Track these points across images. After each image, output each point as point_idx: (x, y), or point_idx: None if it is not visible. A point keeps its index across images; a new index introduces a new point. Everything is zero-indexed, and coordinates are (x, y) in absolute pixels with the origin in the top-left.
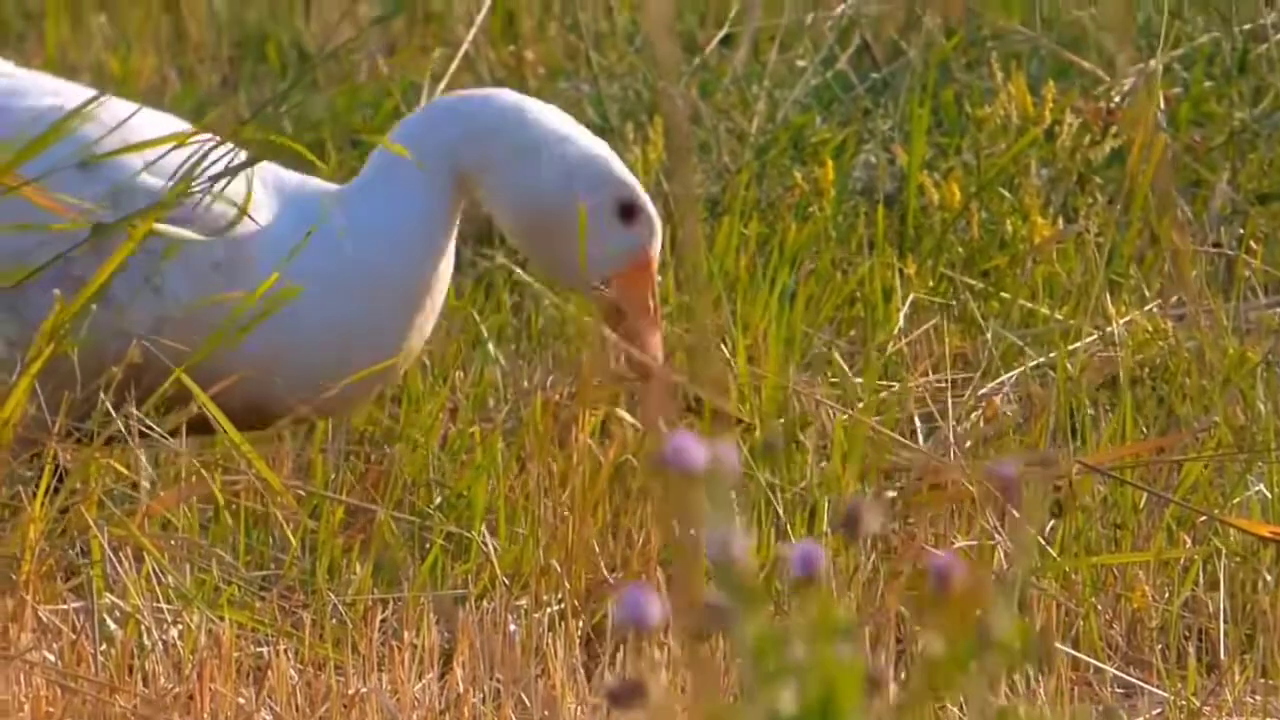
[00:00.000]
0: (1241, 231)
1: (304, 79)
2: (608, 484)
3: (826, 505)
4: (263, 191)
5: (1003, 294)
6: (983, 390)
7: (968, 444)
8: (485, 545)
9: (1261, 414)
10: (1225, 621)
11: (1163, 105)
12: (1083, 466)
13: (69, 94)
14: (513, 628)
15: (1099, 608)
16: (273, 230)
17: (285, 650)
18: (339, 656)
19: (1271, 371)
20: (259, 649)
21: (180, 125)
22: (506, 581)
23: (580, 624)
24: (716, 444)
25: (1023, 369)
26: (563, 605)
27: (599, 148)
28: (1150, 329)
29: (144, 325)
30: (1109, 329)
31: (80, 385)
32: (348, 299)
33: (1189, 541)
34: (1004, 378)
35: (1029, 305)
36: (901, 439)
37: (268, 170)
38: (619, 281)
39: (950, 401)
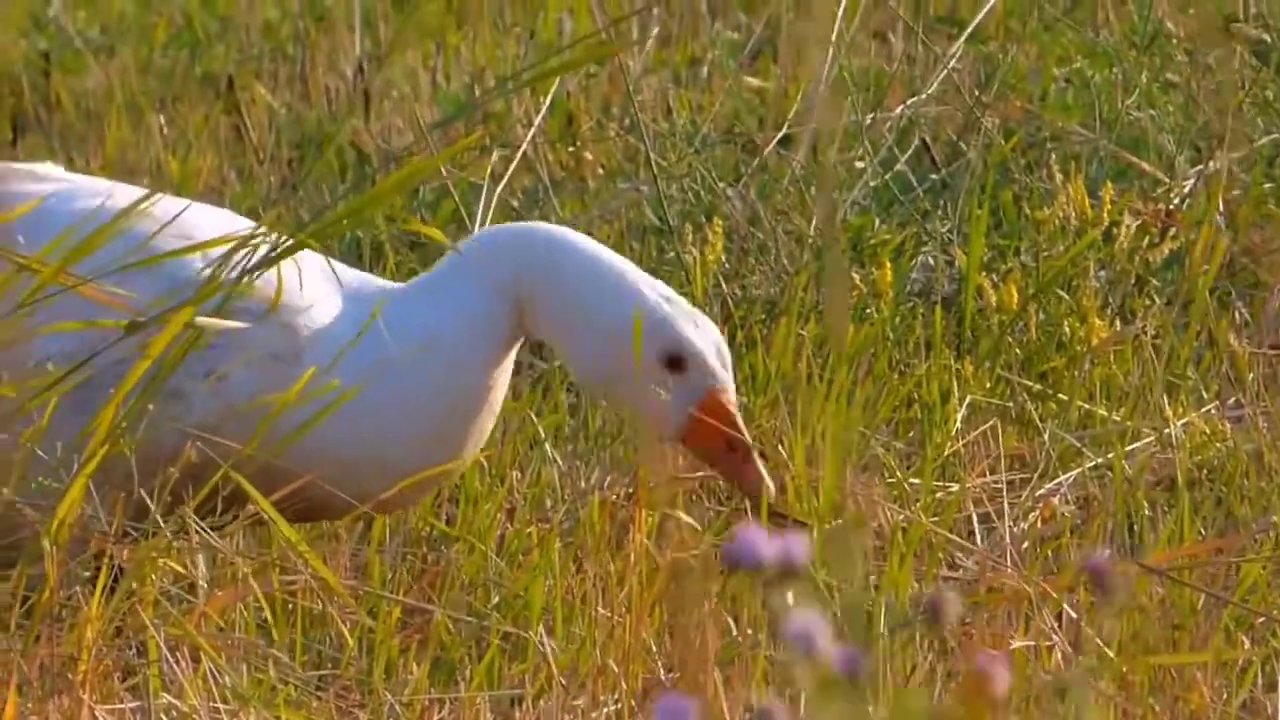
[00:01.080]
0: None
1: (364, 181)
2: (665, 584)
3: (884, 606)
4: (323, 285)
5: (1060, 395)
6: (1040, 491)
7: (1025, 545)
8: (542, 645)
9: None
10: None
11: (1221, 207)
12: (1142, 568)
13: (121, 194)
14: None
15: (1156, 709)
16: (330, 325)
17: None
18: None
19: None
20: None
21: (237, 220)
22: (563, 681)
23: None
24: (786, 538)
25: (1080, 470)
26: (619, 705)
27: (636, 297)
28: (1208, 430)
29: (209, 420)
30: (1166, 431)
31: (138, 483)
32: (400, 400)
33: (1247, 643)
34: (1061, 479)
35: (1086, 407)
36: (959, 539)
37: (326, 265)
38: (694, 429)
39: (1007, 502)
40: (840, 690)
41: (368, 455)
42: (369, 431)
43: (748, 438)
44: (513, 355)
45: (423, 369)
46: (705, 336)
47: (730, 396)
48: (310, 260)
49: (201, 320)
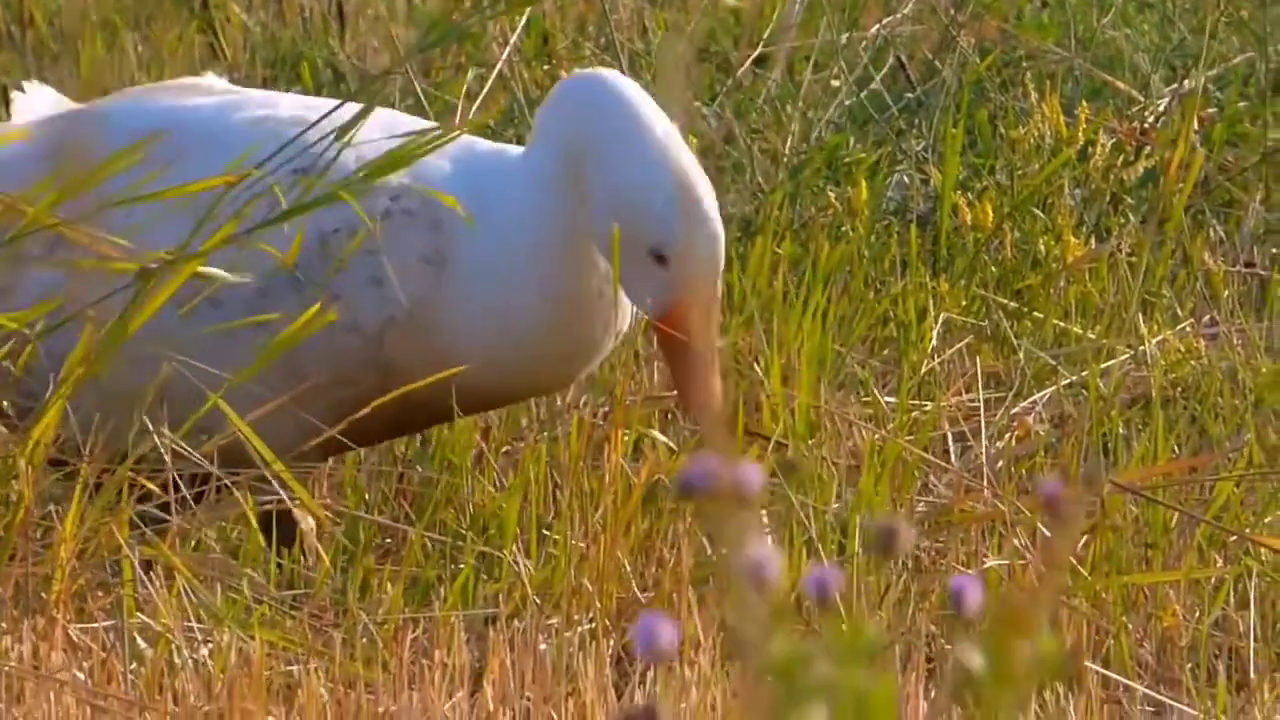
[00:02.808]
0: (1275, 251)
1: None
2: (639, 504)
3: (858, 525)
4: (452, 174)
5: (1035, 313)
6: (1015, 410)
7: (1000, 463)
8: (516, 565)
9: None
10: (1255, 640)
11: (1197, 126)
12: (1114, 486)
13: (285, 104)
14: (543, 647)
15: (1129, 627)
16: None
17: (316, 669)
18: (370, 675)
19: None
20: (289, 668)
21: (396, 118)
22: (538, 601)
23: (611, 643)
24: (741, 465)
25: (1055, 388)
26: (594, 625)
27: (645, 180)
28: (1183, 348)
29: (373, 325)
30: (1141, 348)
31: (323, 390)
32: (509, 290)
33: (1220, 561)
34: (1036, 397)
35: (1061, 324)
36: (934, 458)
37: (458, 149)
38: (664, 321)
39: (983, 421)
40: (791, 621)
41: (508, 349)
42: (503, 325)
43: (706, 351)
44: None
45: (516, 253)
46: (698, 243)
47: (703, 308)
48: (447, 151)
49: (205, 271)
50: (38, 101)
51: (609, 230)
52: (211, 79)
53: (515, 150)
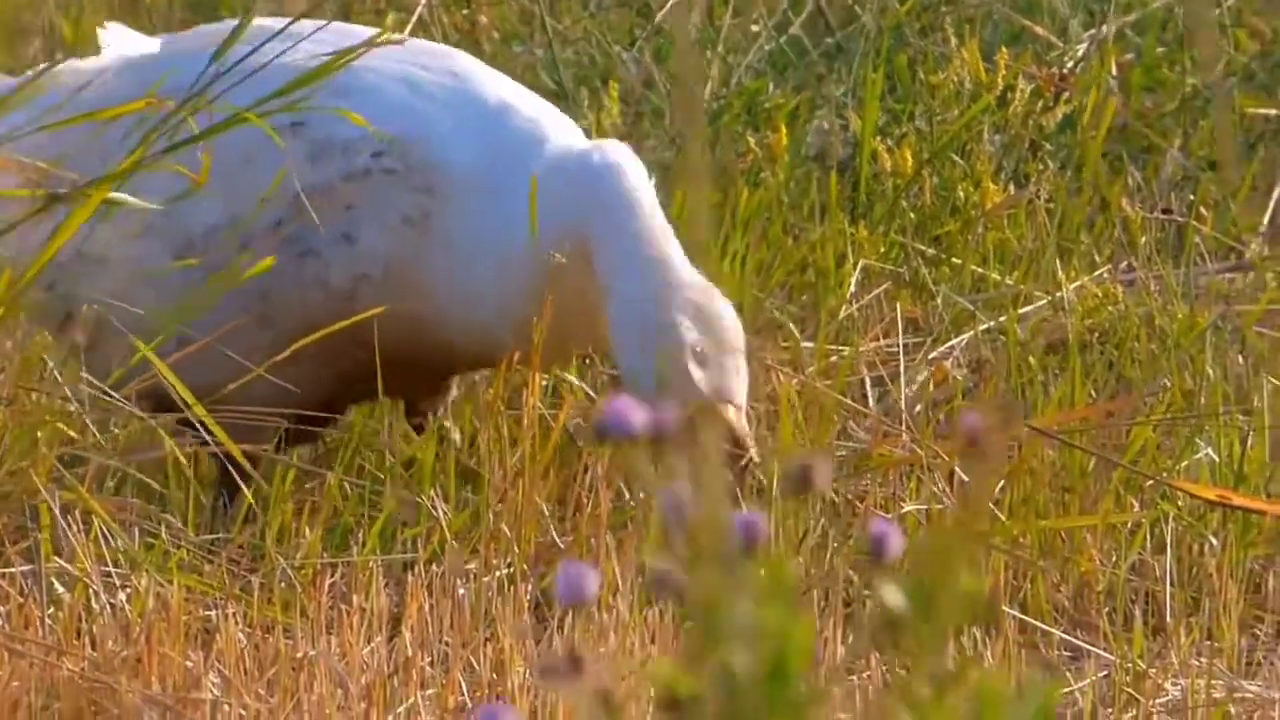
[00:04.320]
0: (1192, 198)
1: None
2: (557, 448)
3: (776, 469)
4: (465, 140)
5: (954, 259)
6: (933, 355)
7: (918, 408)
8: (435, 509)
9: (1210, 378)
10: (1171, 585)
11: (1115, 71)
12: (1032, 430)
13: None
14: (461, 592)
15: (1046, 571)
16: (461, 187)
17: (234, 614)
18: (288, 620)
19: (1220, 336)
20: (207, 612)
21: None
22: (456, 545)
23: (529, 588)
24: (656, 408)
25: (973, 334)
26: (512, 569)
27: (636, 335)
28: (1100, 294)
29: (344, 282)
30: (1059, 294)
31: (287, 339)
32: (487, 273)
33: (1136, 505)
34: (954, 342)
35: (980, 270)
36: (852, 403)
37: (473, 107)
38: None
39: (902, 366)
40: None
41: (494, 325)
42: (478, 299)
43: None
44: None
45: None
46: (706, 375)
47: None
48: (446, 95)
49: (115, 196)
50: (121, 37)
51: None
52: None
53: (550, 124)
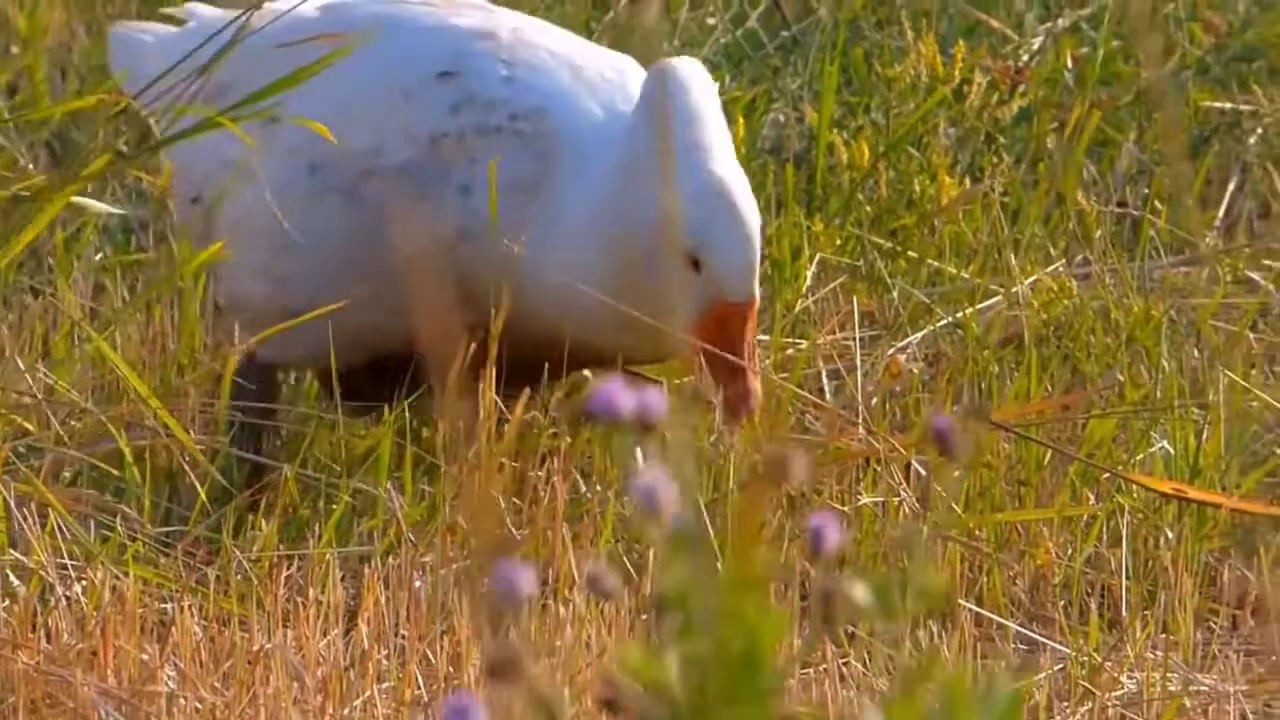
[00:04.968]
0: (1147, 191)
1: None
2: (514, 440)
3: (733, 461)
4: (583, 107)
5: (910, 253)
6: (889, 349)
7: (874, 401)
8: (391, 502)
9: (1165, 372)
10: (1127, 578)
11: (1070, 65)
12: (989, 424)
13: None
14: (418, 584)
15: (1002, 564)
16: (569, 158)
17: (190, 606)
18: (244, 612)
19: (1175, 330)
20: (163, 605)
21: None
22: (412, 538)
23: (485, 581)
24: (643, 392)
25: (930, 327)
26: (468, 562)
27: (684, 183)
28: (1055, 288)
29: (451, 232)
30: (1014, 288)
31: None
32: (585, 256)
33: (1092, 498)
34: (911, 336)
35: (936, 264)
36: (809, 396)
37: (620, 94)
38: (699, 328)
39: (858, 359)
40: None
41: (576, 306)
42: (571, 272)
43: (746, 355)
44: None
45: (613, 211)
46: (730, 246)
47: (742, 310)
48: (597, 83)
49: (79, 201)
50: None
51: (649, 234)
52: None
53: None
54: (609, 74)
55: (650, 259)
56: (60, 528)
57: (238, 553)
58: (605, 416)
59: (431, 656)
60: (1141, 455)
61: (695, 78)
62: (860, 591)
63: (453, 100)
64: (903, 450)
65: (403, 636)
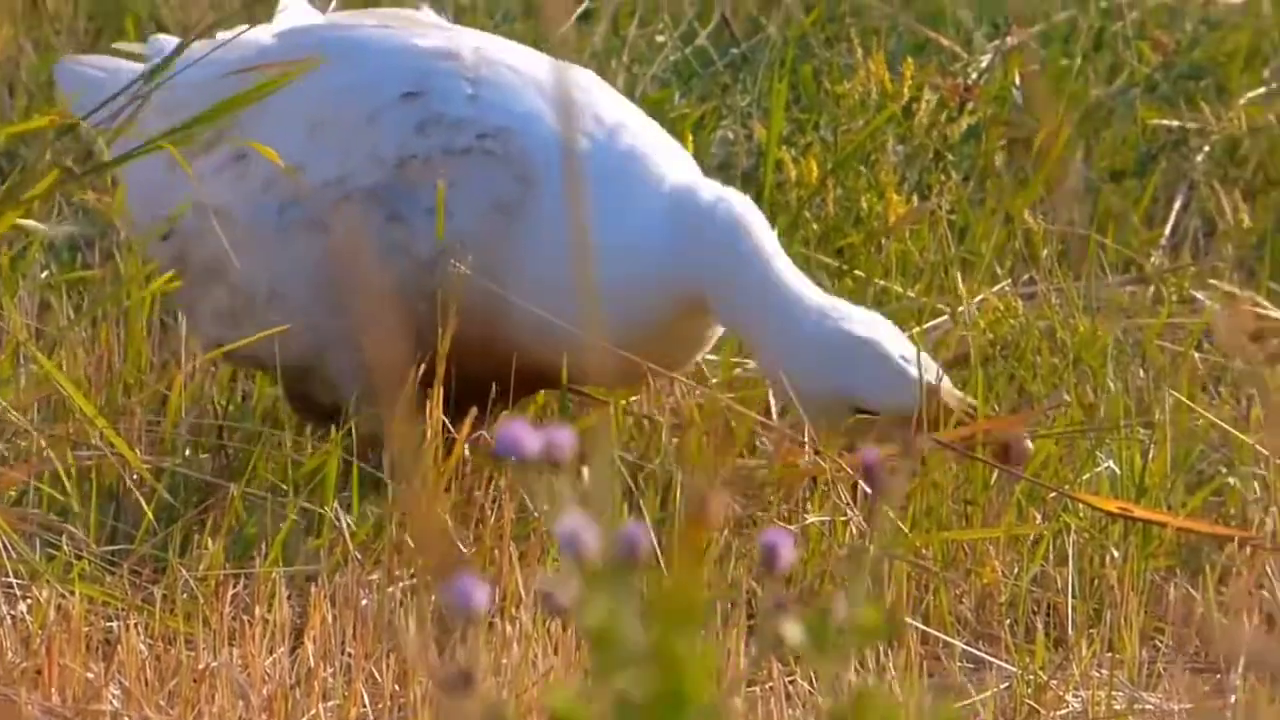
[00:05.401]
0: (1094, 210)
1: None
2: (461, 459)
3: (680, 481)
4: (595, 153)
5: (857, 271)
6: None
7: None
8: (338, 521)
9: (1111, 391)
10: (1073, 596)
11: (1018, 82)
12: (936, 443)
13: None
14: (364, 603)
15: (949, 583)
16: (558, 184)
17: (135, 625)
18: (189, 631)
19: (1121, 349)
20: (109, 624)
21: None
22: (359, 557)
23: (432, 599)
24: (551, 430)
25: None
26: (414, 581)
27: (817, 367)
28: (1002, 307)
29: (429, 254)
30: (961, 308)
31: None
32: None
33: (1039, 517)
34: None
35: (883, 283)
36: (756, 415)
37: (592, 119)
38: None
39: None
40: (608, 586)
41: (561, 331)
42: (553, 295)
43: (978, 429)
44: None
45: (617, 272)
46: (906, 400)
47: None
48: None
49: (24, 223)
50: (295, 9)
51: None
52: (426, 11)
53: (662, 150)
54: (576, 92)
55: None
56: (6, 546)
57: (184, 571)
58: (512, 456)
59: (378, 675)
60: (1088, 475)
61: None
62: (794, 630)
63: (418, 120)
64: (850, 470)
65: (349, 655)
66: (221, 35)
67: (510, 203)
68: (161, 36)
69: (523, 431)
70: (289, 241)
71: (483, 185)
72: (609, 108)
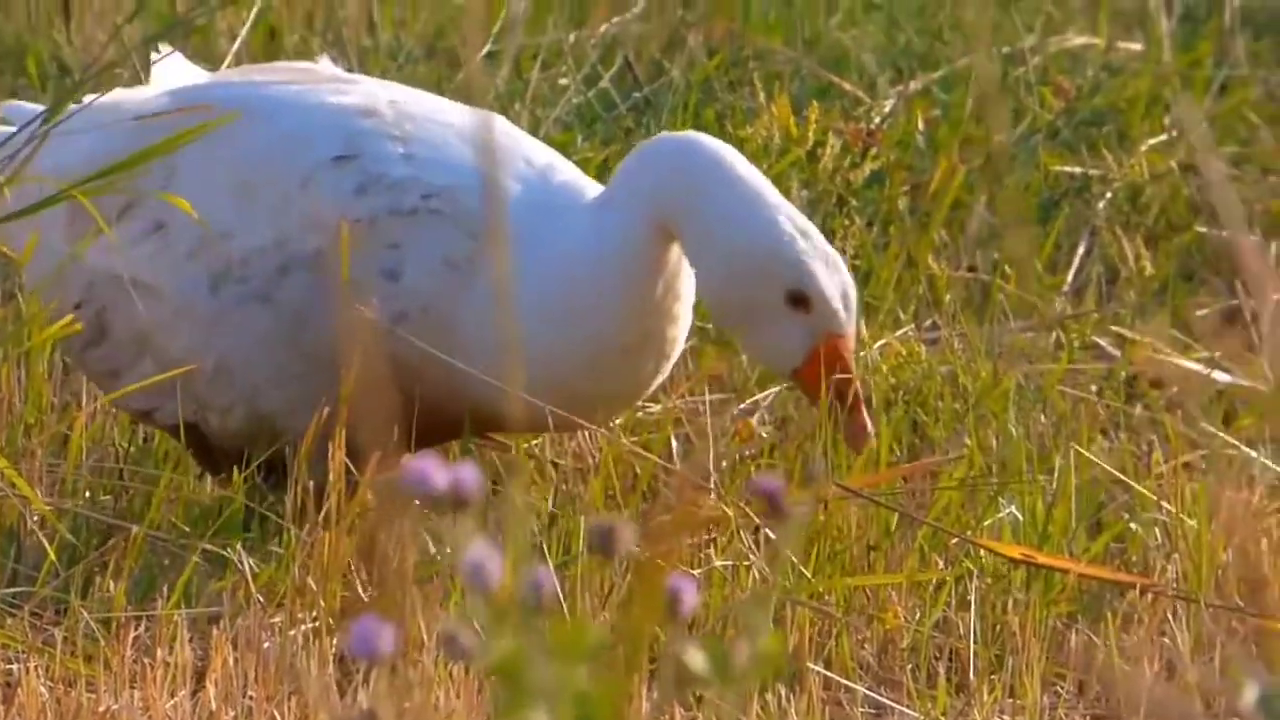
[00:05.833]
0: (996, 255)
1: (69, 95)
2: (363, 502)
3: (583, 526)
4: (511, 186)
5: None
6: (738, 410)
7: (724, 465)
8: (241, 563)
9: (1013, 437)
10: (975, 642)
11: (921, 127)
12: (838, 488)
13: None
14: (267, 645)
15: (851, 627)
16: (512, 233)
17: (36, 667)
18: (91, 673)
19: (1023, 395)
20: (9, 666)
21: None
22: (261, 599)
23: (334, 642)
24: (458, 467)
25: (779, 389)
26: (317, 623)
27: (770, 230)
28: (904, 352)
29: (384, 318)
30: (863, 353)
31: (317, 367)
32: (565, 322)
33: (941, 563)
34: (759, 398)
35: None
36: (659, 460)
37: (534, 171)
38: (807, 370)
39: (708, 422)
40: (513, 621)
41: (536, 375)
42: (537, 352)
43: (857, 386)
44: (679, 286)
45: (580, 292)
46: (834, 279)
47: (849, 343)
48: (502, 154)
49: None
50: (173, 69)
51: (721, 292)
52: (325, 62)
53: (593, 188)
54: (501, 140)
55: (640, 330)
56: None
57: (85, 613)
58: (420, 494)
59: (280, 717)
60: (990, 520)
61: (719, 144)
62: (698, 659)
63: (356, 183)
64: (753, 515)
65: (250, 697)
66: (90, 99)
67: (460, 259)
68: (18, 103)
69: (431, 468)
70: (227, 315)
71: (432, 244)
72: (536, 150)
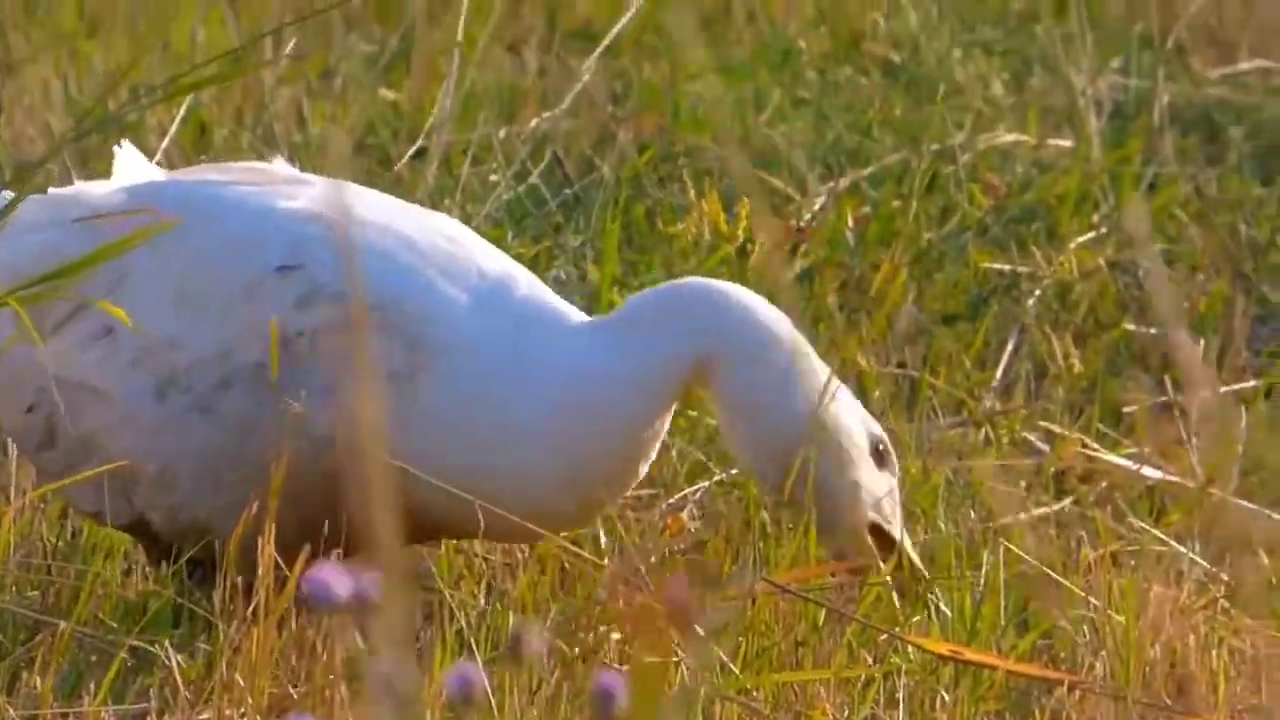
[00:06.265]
0: (926, 352)
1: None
2: (292, 598)
3: (511, 622)
4: (451, 291)
5: (690, 411)
6: (667, 504)
7: (653, 559)
8: (168, 659)
9: (942, 532)
10: None
11: (851, 224)
12: (766, 584)
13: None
14: None
15: None
16: (458, 343)
17: None
18: None
19: (952, 491)
20: None
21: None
22: (189, 696)
23: None
24: (360, 576)
25: (708, 484)
26: (245, 719)
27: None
28: None
29: (326, 430)
30: None
31: (261, 476)
32: (568, 445)
33: (870, 659)
34: (687, 491)
35: (714, 422)
36: (588, 555)
37: (473, 271)
38: (873, 516)
39: (635, 518)
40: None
41: (505, 490)
42: (488, 465)
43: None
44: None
45: (581, 411)
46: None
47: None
48: (442, 258)
49: None
50: (131, 163)
51: (762, 448)
52: (279, 162)
53: (575, 315)
54: (441, 243)
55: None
56: None
57: (11, 710)
58: (322, 601)
59: None
60: (919, 617)
61: (749, 295)
62: None
63: (297, 295)
64: (669, 616)
65: None
66: (54, 191)
67: (402, 371)
68: None
69: (332, 576)
70: (171, 424)
71: (375, 357)
72: (490, 258)
